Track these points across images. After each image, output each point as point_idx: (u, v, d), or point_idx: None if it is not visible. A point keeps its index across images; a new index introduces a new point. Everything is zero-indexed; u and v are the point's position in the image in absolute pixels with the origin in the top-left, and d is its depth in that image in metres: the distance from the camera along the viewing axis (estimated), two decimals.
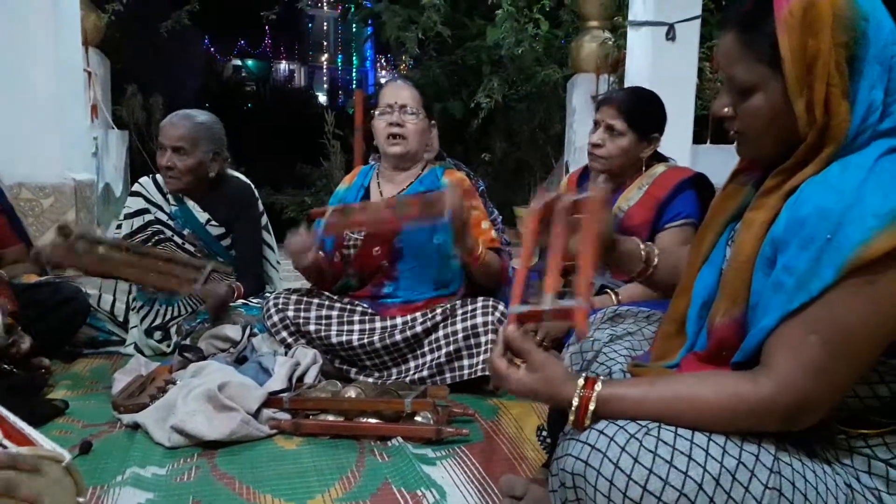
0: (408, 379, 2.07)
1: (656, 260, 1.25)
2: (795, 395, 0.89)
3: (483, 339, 2.02)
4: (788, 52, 0.91)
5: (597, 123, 2.15)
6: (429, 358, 2.07)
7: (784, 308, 0.89)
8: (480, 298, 2.10)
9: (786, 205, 0.94)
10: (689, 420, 0.92)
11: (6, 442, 1.02)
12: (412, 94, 2.21)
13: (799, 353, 0.88)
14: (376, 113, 2.24)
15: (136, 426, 1.75)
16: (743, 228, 1.00)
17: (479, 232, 2.17)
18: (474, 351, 2.03)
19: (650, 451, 0.89)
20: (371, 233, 2.18)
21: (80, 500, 1.09)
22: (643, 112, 2.11)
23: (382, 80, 17.81)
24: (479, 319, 2.03)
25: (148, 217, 2.52)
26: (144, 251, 2.34)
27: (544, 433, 1.70)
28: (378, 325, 2.12)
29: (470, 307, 2.07)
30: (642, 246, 1.26)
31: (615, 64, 4.81)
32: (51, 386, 2.05)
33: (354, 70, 23.70)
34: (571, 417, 0.97)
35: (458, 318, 2.06)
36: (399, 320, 2.12)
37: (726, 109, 1.01)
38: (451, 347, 2.04)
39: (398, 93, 2.21)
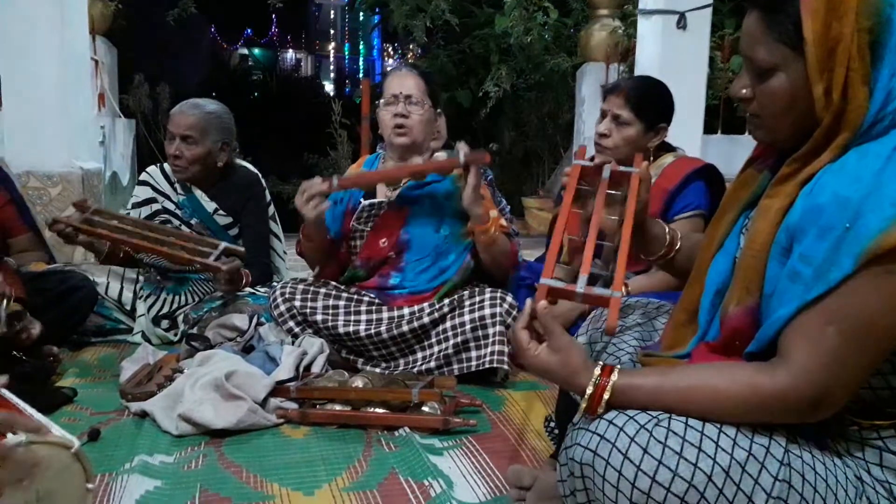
0: (415, 369, 2.06)
1: (679, 244, 1.25)
2: (813, 388, 0.88)
3: (491, 330, 2.02)
4: (811, 34, 0.90)
5: (603, 113, 2.13)
6: (436, 349, 2.07)
7: (802, 298, 0.88)
8: (489, 290, 2.09)
9: (802, 192, 0.93)
10: (704, 411, 0.91)
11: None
12: (417, 84, 2.19)
13: (817, 345, 0.87)
14: (381, 103, 2.22)
15: (143, 414, 1.76)
16: (758, 216, 0.98)
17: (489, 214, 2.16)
18: (482, 342, 2.03)
19: (660, 442, 0.88)
20: (378, 223, 2.17)
21: (90, 486, 1.09)
22: (650, 102, 2.09)
23: (389, 69, 17.80)
24: (487, 311, 2.03)
25: (156, 206, 2.52)
26: (158, 227, 2.35)
27: (552, 424, 1.70)
28: (385, 315, 2.12)
29: (478, 298, 2.07)
30: (667, 229, 1.26)
31: (625, 53, 4.77)
32: (59, 374, 2.06)
33: (361, 59, 23.67)
34: (584, 405, 0.96)
35: (466, 309, 2.06)
36: (406, 311, 2.12)
37: (744, 91, 1.00)
38: (459, 339, 2.03)
39: (403, 82, 2.19)
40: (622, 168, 1.17)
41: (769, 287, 0.94)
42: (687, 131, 3.74)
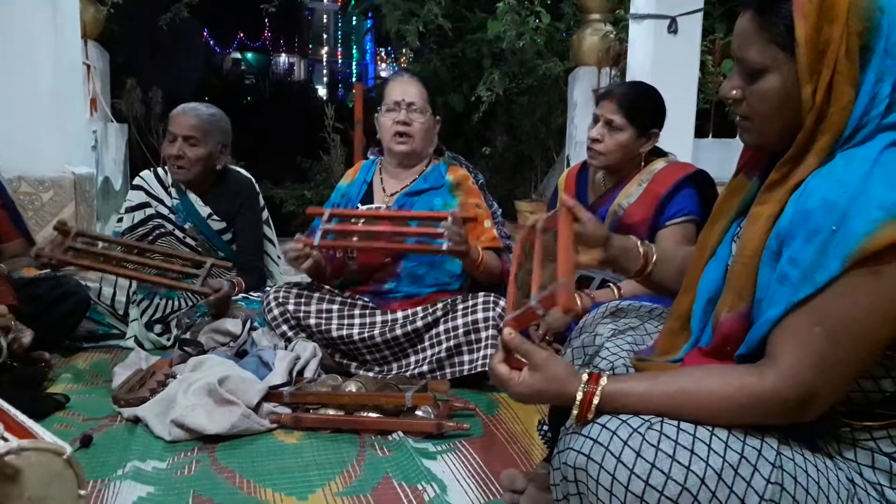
0: (408, 373, 2.06)
1: (654, 258, 1.25)
2: (801, 388, 0.89)
3: (484, 334, 2.02)
4: (803, 36, 0.91)
5: (596, 118, 2.14)
6: (429, 353, 2.07)
7: (789, 300, 0.89)
8: (481, 294, 2.10)
9: (791, 198, 0.94)
10: (694, 414, 0.92)
11: (7, 435, 1.02)
12: (419, 92, 2.19)
13: (804, 345, 0.88)
14: (382, 109, 2.22)
15: (136, 420, 1.76)
16: (749, 223, 0.99)
17: (481, 231, 2.17)
18: (475, 346, 2.03)
19: (652, 446, 0.89)
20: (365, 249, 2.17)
21: (81, 492, 1.09)
22: (643, 107, 2.10)
23: (383, 74, 17.77)
24: (480, 315, 2.03)
25: (149, 211, 2.51)
26: (143, 248, 2.34)
27: (545, 427, 1.70)
28: (379, 318, 2.12)
29: (471, 302, 2.07)
30: (640, 244, 1.26)
31: (617, 57, 4.79)
32: (51, 380, 2.05)
33: (354, 63, 23.64)
34: (575, 412, 0.97)
35: (459, 313, 2.06)
36: (400, 314, 2.12)
37: (734, 91, 1.00)
38: (452, 343, 2.03)
39: (406, 89, 2.18)
40: (549, 213, 1.24)
41: (760, 292, 0.95)
42: (678, 135, 3.75)
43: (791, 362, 0.89)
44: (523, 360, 1.02)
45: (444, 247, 1.96)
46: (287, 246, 2.08)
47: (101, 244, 2.28)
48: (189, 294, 2.47)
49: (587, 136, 2.15)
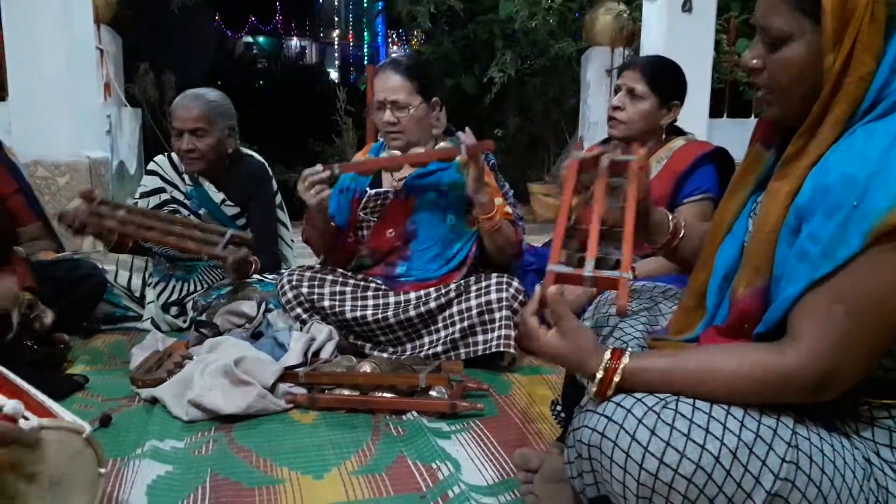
0: (422, 354, 2.07)
1: (682, 232, 1.24)
2: (822, 366, 0.88)
3: (497, 314, 2.02)
4: (830, 3, 0.89)
5: (617, 88, 2.14)
6: (443, 333, 2.07)
7: (809, 277, 0.88)
8: (494, 275, 2.10)
9: (811, 174, 0.92)
10: (713, 392, 0.92)
11: (28, 414, 1.04)
12: (402, 85, 2.12)
13: (825, 323, 0.87)
14: (374, 105, 2.20)
15: (154, 400, 1.78)
16: (767, 199, 0.98)
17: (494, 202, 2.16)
18: (488, 327, 2.04)
19: (667, 424, 0.89)
20: (385, 214, 2.18)
21: (101, 470, 1.11)
22: (666, 76, 2.10)
23: (394, 56, 17.67)
24: (494, 296, 2.03)
25: (164, 196, 2.52)
26: (165, 216, 2.36)
27: (558, 407, 1.70)
28: (392, 300, 2.13)
29: (484, 283, 2.07)
30: (671, 217, 1.25)
31: (630, 37, 4.74)
32: (70, 361, 2.08)
33: (366, 45, 23.53)
34: (594, 388, 0.97)
35: (473, 293, 2.06)
36: (413, 295, 2.12)
37: (755, 61, 0.99)
38: (466, 323, 2.04)
39: (386, 86, 2.13)
40: (621, 157, 1.16)
41: (778, 269, 0.94)
42: (693, 115, 3.71)
43: (811, 341, 0.88)
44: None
45: (463, 146, 1.95)
46: (306, 171, 2.05)
47: (123, 212, 2.29)
48: (204, 275, 2.48)
49: (608, 105, 2.15)
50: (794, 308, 0.90)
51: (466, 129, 2.09)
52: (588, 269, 1.01)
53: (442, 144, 2.14)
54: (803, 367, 0.88)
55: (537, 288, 1.03)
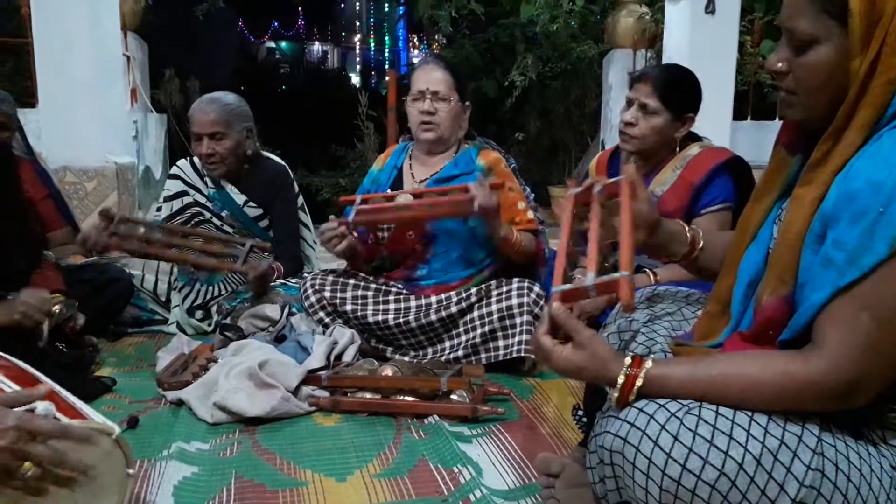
0: (443, 358, 2.08)
1: (701, 243, 1.23)
2: (847, 374, 0.87)
3: (518, 319, 2.02)
4: (857, 5, 0.88)
5: (629, 101, 2.09)
6: (464, 338, 2.08)
7: (835, 284, 0.87)
8: (516, 280, 2.10)
9: (836, 180, 0.91)
10: (736, 399, 0.91)
11: (59, 415, 1.06)
12: (444, 78, 2.18)
13: (851, 331, 0.87)
14: (409, 98, 2.23)
15: (179, 403, 1.80)
16: (792, 205, 0.97)
17: (515, 212, 2.16)
18: (510, 332, 2.04)
19: (690, 430, 0.89)
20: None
21: (130, 471, 1.13)
22: (678, 91, 2.05)
23: (415, 60, 17.73)
24: (515, 300, 2.03)
25: (187, 199, 2.56)
26: (185, 231, 2.39)
27: (580, 412, 1.70)
28: (413, 304, 2.14)
29: (505, 288, 2.07)
30: (688, 229, 1.24)
31: (652, 39, 4.71)
32: (98, 364, 2.12)
33: (387, 50, 23.65)
34: (616, 395, 0.97)
35: (494, 298, 2.06)
36: (434, 299, 2.13)
37: (781, 64, 0.98)
38: (487, 328, 2.04)
39: (429, 77, 2.18)
40: (612, 180, 1.19)
41: (803, 276, 0.93)
42: (716, 118, 3.69)
43: (837, 349, 0.87)
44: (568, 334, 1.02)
45: (476, 204, 1.94)
46: (322, 227, 2.11)
47: (143, 229, 2.33)
48: (229, 279, 2.52)
49: (620, 119, 2.12)
50: (820, 315, 0.89)
51: (479, 176, 2.04)
52: (590, 280, 1.01)
53: (456, 198, 2.07)
54: (829, 375, 0.88)
55: (545, 309, 1.04)
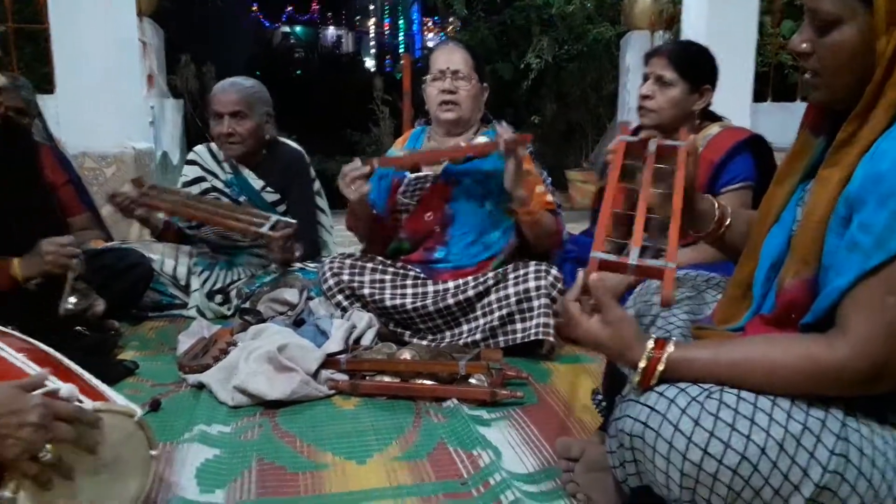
0: (461, 342, 2.08)
1: (729, 220, 1.22)
2: (872, 359, 0.86)
3: (536, 302, 2.02)
4: None
5: (646, 77, 2.10)
6: (482, 321, 2.08)
7: (860, 267, 0.86)
8: (533, 262, 2.09)
9: (862, 161, 0.90)
10: (759, 383, 0.90)
11: (82, 397, 1.08)
12: (464, 58, 2.17)
13: (876, 316, 0.85)
14: (428, 78, 2.21)
15: (200, 386, 1.82)
16: (817, 186, 0.96)
17: (533, 195, 2.15)
18: (527, 315, 2.04)
19: (712, 414, 0.88)
20: (424, 198, 2.19)
21: (153, 453, 1.14)
22: (693, 61, 2.06)
23: (430, 44, 17.63)
24: (532, 283, 2.03)
25: (205, 185, 2.57)
26: (212, 201, 2.42)
27: (599, 396, 1.70)
28: (430, 288, 2.14)
29: (522, 271, 2.07)
30: (717, 205, 1.23)
31: (670, 20, 4.64)
32: (120, 347, 2.14)
33: (401, 34, 23.50)
34: (637, 378, 0.96)
35: (511, 282, 2.06)
36: (451, 284, 2.13)
37: (804, 45, 0.96)
38: (504, 311, 2.04)
39: (450, 57, 2.17)
40: (668, 142, 1.14)
41: (827, 259, 0.92)
42: (736, 99, 3.63)
43: (862, 333, 0.86)
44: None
45: (501, 141, 1.94)
46: (346, 167, 2.07)
47: (170, 195, 2.38)
48: (248, 265, 2.53)
49: (638, 94, 2.12)
50: (844, 299, 0.88)
51: (503, 122, 2.07)
52: (633, 258, 0.99)
53: (480, 139, 2.13)
54: (854, 360, 0.87)
55: (580, 274, 1.01)
